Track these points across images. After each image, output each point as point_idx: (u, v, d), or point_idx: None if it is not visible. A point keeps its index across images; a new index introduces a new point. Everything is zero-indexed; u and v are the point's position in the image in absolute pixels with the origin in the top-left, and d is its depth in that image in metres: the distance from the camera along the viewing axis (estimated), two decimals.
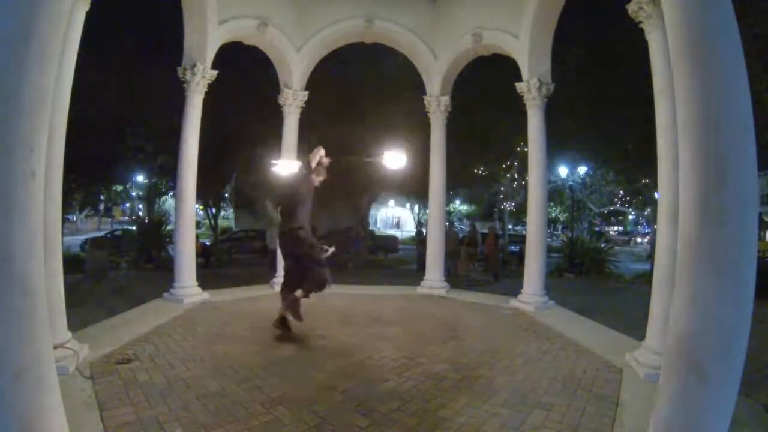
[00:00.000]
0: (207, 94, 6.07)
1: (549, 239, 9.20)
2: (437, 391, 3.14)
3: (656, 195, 4.66)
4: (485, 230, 15.71)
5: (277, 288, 7.00)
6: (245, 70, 11.39)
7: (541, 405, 2.92)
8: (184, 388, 3.03)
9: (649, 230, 30.17)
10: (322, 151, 4.45)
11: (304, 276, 4.33)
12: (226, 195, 21.20)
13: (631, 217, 38.86)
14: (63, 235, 4.33)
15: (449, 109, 7.26)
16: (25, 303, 1.71)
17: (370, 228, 21.98)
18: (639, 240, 36.40)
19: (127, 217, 36.17)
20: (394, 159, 4.68)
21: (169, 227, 14.52)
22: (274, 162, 5.13)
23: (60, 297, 3.49)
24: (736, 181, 1.93)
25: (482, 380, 3.36)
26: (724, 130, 1.96)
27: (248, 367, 3.49)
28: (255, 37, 6.60)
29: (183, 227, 6.00)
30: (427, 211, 8.49)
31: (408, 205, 32.76)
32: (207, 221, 22.16)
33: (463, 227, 29.83)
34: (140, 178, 21.85)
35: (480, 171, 18.24)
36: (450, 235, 12.74)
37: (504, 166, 17.81)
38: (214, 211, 19.08)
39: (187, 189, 5.99)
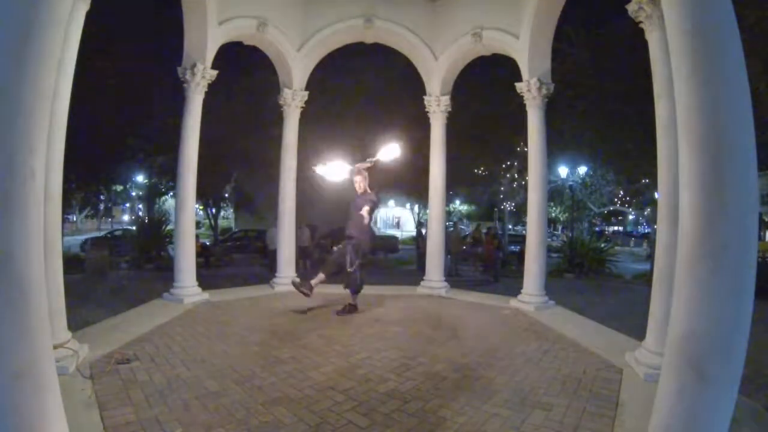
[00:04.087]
0: (207, 94, 6.07)
1: (549, 239, 9.20)
2: (437, 391, 3.14)
3: (656, 195, 4.66)
4: (484, 230, 15.73)
5: (278, 288, 7.06)
6: (245, 70, 11.42)
7: (541, 405, 2.91)
8: (184, 388, 3.03)
9: (649, 230, 30.13)
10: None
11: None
12: (226, 195, 21.20)
13: (631, 217, 38.82)
14: (63, 235, 4.33)
15: (449, 109, 7.25)
16: (24, 303, 1.71)
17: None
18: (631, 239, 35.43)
19: (127, 217, 36.19)
20: (389, 152, 5.28)
21: (169, 227, 14.54)
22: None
23: (60, 297, 3.49)
24: (736, 181, 1.93)
25: (482, 380, 3.36)
26: (724, 130, 1.96)
27: (248, 367, 3.49)
28: (255, 37, 6.59)
29: (183, 227, 6.00)
30: (427, 211, 8.48)
31: (408, 205, 32.74)
32: (207, 221, 22.17)
33: (463, 227, 29.81)
34: (140, 178, 21.87)
35: (480, 171, 18.24)
36: (452, 235, 12.79)
37: (504, 166, 17.81)
38: (214, 211, 19.09)
39: (187, 189, 5.98)
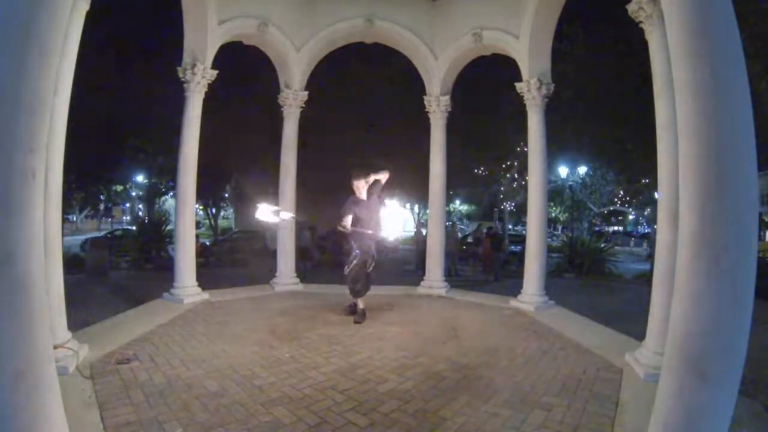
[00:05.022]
0: (207, 93, 6.06)
1: (549, 239, 9.20)
2: (437, 391, 3.14)
3: (656, 195, 4.66)
4: (485, 230, 15.74)
5: (278, 288, 7.06)
6: (245, 70, 11.42)
7: (541, 405, 2.92)
8: (184, 388, 3.03)
9: (649, 230, 30.15)
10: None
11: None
12: (226, 195, 21.21)
13: (631, 217, 38.83)
14: (63, 235, 4.33)
15: (449, 109, 7.25)
16: (25, 303, 1.71)
17: None
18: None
19: (127, 217, 36.21)
20: (265, 212, 5.01)
21: (169, 227, 14.53)
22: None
23: (60, 297, 3.49)
24: (736, 180, 1.93)
25: (482, 380, 3.36)
26: (724, 130, 1.96)
27: (248, 367, 3.49)
28: (255, 37, 6.59)
29: (183, 227, 6.00)
30: (427, 211, 8.48)
31: (408, 205, 32.77)
32: (207, 221, 22.19)
33: (462, 227, 29.83)
34: (140, 178, 21.88)
35: (480, 171, 18.25)
36: (451, 234, 12.79)
37: (504, 166, 17.83)
38: (214, 211, 19.12)
39: (187, 189, 5.98)
